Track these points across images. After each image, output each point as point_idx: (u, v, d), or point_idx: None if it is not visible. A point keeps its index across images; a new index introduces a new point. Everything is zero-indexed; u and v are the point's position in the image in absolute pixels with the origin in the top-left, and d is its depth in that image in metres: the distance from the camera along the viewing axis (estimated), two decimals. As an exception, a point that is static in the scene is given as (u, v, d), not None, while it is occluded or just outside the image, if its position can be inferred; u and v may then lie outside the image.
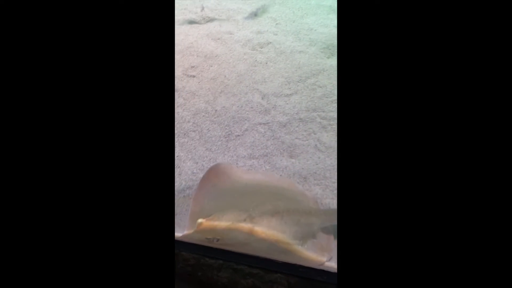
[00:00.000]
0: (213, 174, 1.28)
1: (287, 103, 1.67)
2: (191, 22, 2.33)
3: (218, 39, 2.11)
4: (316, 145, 1.47)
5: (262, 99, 1.71)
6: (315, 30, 2.15)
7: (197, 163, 1.46)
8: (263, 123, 1.59)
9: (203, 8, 2.43)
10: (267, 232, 1.05)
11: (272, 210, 1.07)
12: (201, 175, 1.40)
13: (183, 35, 2.17)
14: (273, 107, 1.66)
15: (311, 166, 1.39)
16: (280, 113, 1.63)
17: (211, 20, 2.33)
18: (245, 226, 1.05)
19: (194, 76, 1.85)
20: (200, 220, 1.09)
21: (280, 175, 1.35)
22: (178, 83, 1.81)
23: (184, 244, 1.08)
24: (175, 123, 1.63)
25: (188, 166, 1.45)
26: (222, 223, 1.08)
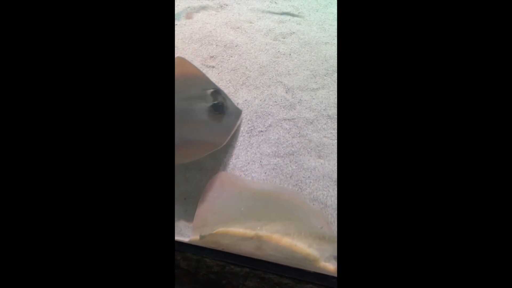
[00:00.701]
0: (218, 183, 1.19)
1: (314, 98, 1.57)
2: (208, 9, 2.22)
3: (238, 28, 2.00)
4: (346, 144, 1.37)
5: (287, 93, 1.60)
6: (340, 20, 2.03)
7: (218, 159, 1.37)
8: (288, 119, 1.49)
9: (220, -5, 2.31)
10: (275, 250, 0.97)
11: (282, 231, 0.99)
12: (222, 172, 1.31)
13: (200, 23, 2.07)
14: (298, 102, 1.55)
15: (343, 167, 1.29)
16: (306, 108, 1.52)
17: (229, 7, 2.21)
18: (251, 244, 0.97)
19: (213, 67, 1.75)
20: (203, 234, 1.02)
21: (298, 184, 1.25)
22: (197, 74, 1.71)
23: (207, 250, 1.00)
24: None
25: (208, 162, 1.36)
26: (226, 238, 1.00)
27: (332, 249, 0.97)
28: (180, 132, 1.18)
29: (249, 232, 0.97)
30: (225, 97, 1.39)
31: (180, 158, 1.15)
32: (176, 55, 1.81)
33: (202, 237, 1.02)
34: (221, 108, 1.31)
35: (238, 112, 1.40)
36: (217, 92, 1.36)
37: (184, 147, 1.20)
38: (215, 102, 1.31)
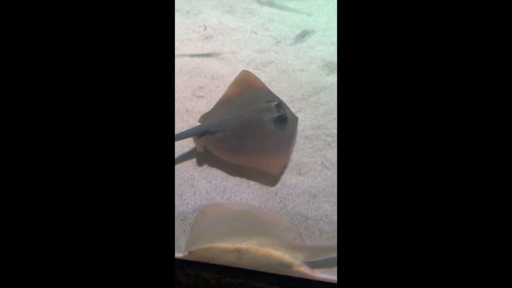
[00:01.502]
0: (202, 215, 1.38)
1: (292, 122, 1.75)
2: (195, 41, 2.41)
3: (223, 59, 2.19)
4: (322, 162, 1.56)
5: (269, 118, 1.79)
6: (314, 47, 2.25)
7: (210, 182, 1.53)
8: (271, 142, 1.66)
9: (205, 28, 2.52)
10: (254, 259, 1.14)
11: (259, 245, 1.16)
12: (214, 194, 1.48)
13: (188, 55, 2.25)
14: (279, 126, 1.74)
15: (320, 183, 1.47)
16: (286, 131, 1.71)
17: (214, 39, 2.41)
18: (232, 255, 1.16)
19: (202, 97, 1.93)
20: (191, 250, 1.19)
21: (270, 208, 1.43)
22: (188, 104, 1.89)
23: (204, 266, 1.15)
24: (187, 142, 1.69)
25: (202, 185, 1.52)
26: (210, 252, 1.17)
27: (303, 256, 1.15)
28: (255, 141, 1.49)
29: (230, 246, 1.14)
30: (285, 108, 1.64)
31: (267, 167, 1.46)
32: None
33: (190, 252, 1.19)
34: (284, 120, 1.55)
35: (295, 120, 1.66)
36: (279, 105, 1.60)
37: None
38: (279, 114, 1.55)
